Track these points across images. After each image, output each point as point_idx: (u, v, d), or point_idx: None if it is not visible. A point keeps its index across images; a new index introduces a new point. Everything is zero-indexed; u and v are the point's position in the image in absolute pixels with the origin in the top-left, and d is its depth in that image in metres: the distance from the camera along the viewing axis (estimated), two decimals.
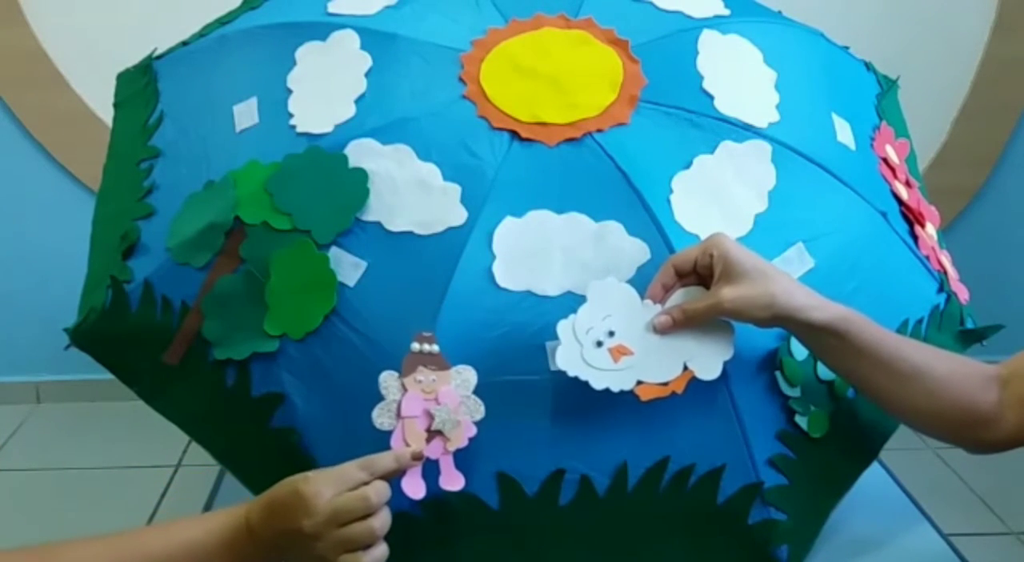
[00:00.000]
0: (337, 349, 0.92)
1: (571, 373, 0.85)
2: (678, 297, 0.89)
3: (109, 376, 1.00)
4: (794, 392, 0.93)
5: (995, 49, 2.29)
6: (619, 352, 0.87)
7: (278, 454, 0.87)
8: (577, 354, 0.86)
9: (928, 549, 1.05)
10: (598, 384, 0.85)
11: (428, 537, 0.90)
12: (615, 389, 0.86)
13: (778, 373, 0.92)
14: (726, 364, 0.89)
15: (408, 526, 0.87)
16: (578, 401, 0.89)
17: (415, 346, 0.87)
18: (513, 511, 0.89)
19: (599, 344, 0.87)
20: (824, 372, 0.95)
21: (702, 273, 0.88)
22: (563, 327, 0.87)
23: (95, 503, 2.05)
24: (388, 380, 0.86)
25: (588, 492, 0.89)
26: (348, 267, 0.93)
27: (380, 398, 0.86)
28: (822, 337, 0.87)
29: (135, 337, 0.97)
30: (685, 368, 0.87)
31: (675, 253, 0.90)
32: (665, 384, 0.87)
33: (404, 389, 0.86)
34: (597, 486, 0.90)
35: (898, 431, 1.01)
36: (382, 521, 0.78)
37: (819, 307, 0.86)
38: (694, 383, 0.89)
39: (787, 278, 0.87)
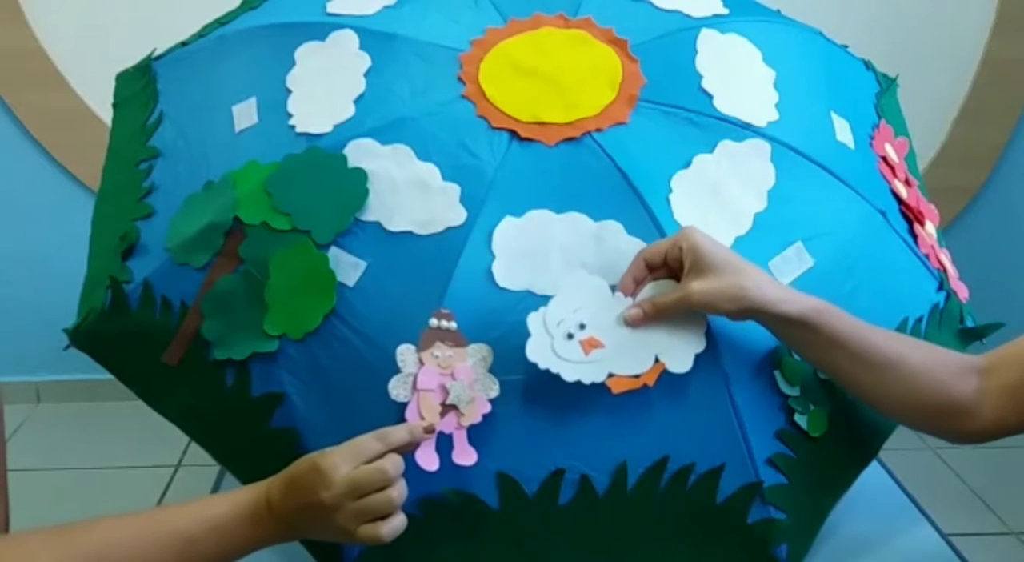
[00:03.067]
0: (337, 349, 0.92)
1: (542, 365, 0.86)
2: (649, 290, 0.89)
3: (109, 376, 1.00)
4: (793, 391, 0.93)
5: (995, 49, 2.29)
6: (590, 345, 0.87)
7: (278, 454, 0.87)
8: (548, 346, 0.86)
9: (928, 549, 1.05)
10: (569, 376, 0.86)
11: (428, 537, 0.90)
12: (586, 381, 0.86)
13: (777, 372, 0.92)
14: (725, 364, 0.89)
15: (408, 526, 0.87)
16: (578, 401, 0.89)
17: (433, 321, 0.88)
18: (513, 511, 0.89)
19: (570, 336, 0.87)
20: None
21: (672, 266, 0.88)
22: (533, 319, 0.87)
23: (95, 503, 2.05)
24: (405, 353, 0.87)
25: (588, 492, 0.89)
26: (347, 267, 0.93)
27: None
28: (794, 330, 0.87)
29: (134, 337, 0.97)
30: (656, 361, 0.87)
31: (645, 247, 0.90)
32: (637, 376, 0.87)
33: (421, 363, 0.86)
34: (597, 486, 0.90)
35: (898, 431, 1.01)
36: (399, 491, 0.80)
37: (790, 300, 0.86)
38: (693, 383, 0.89)
39: (757, 271, 0.87)
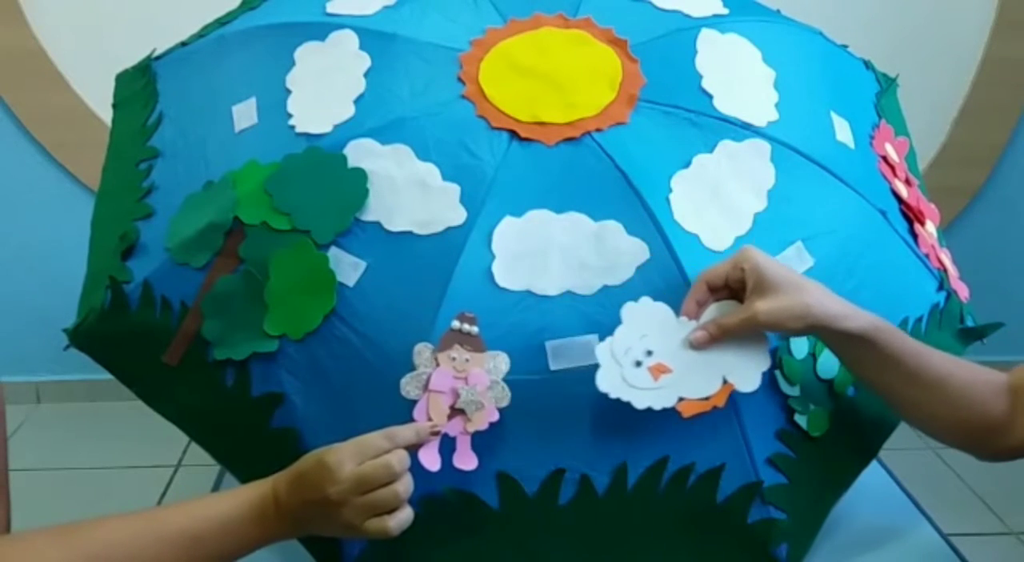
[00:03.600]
0: (337, 349, 0.92)
1: (613, 395, 0.86)
2: (712, 312, 0.89)
3: (109, 376, 1.00)
4: (793, 391, 0.93)
5: (995, 49, 2.29)
6: (658, 370, 0.87)
7: (278, 454, 0.87)
8: (618, 375, 0.86)
9: (928, 549, 1.05)
10: (640, 404, 0.86)
11: (428, 537, 0.90)
12: (657, 407, 0.86)
13: (777, 372, 0.92)
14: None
15: (408, 525, 0.87)
16: (578, 401, 0.89)
17: (455, 324, 0.88)
18: (513, 511, 0.89)
19: (638, 364, 0.87)
20: (824, 370, 0.95)
21: (734, 287, 0.89)
22: (601, 350, 0.87)
23: (95, 503, 2.05)
24: (422, 351, 0.87)
25: (588, 491, 0.89)
26: (347, 267, 0.93)
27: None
28: (853, 346, 0.88)
29: (134, 337, 0.97)
30: (724, 382, 0.87)
31: (705, 269, 0.90)
32: (706, 399, 0.87)
33: (436, 363, 0.87)
34: (597, 485, 0.90)
35: (898, 431, 1.01)
36: (405, 486, 0.80)
37: (852, 316, 0.86)
38: None
39: (818, 287, 0.88)
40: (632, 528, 0.91)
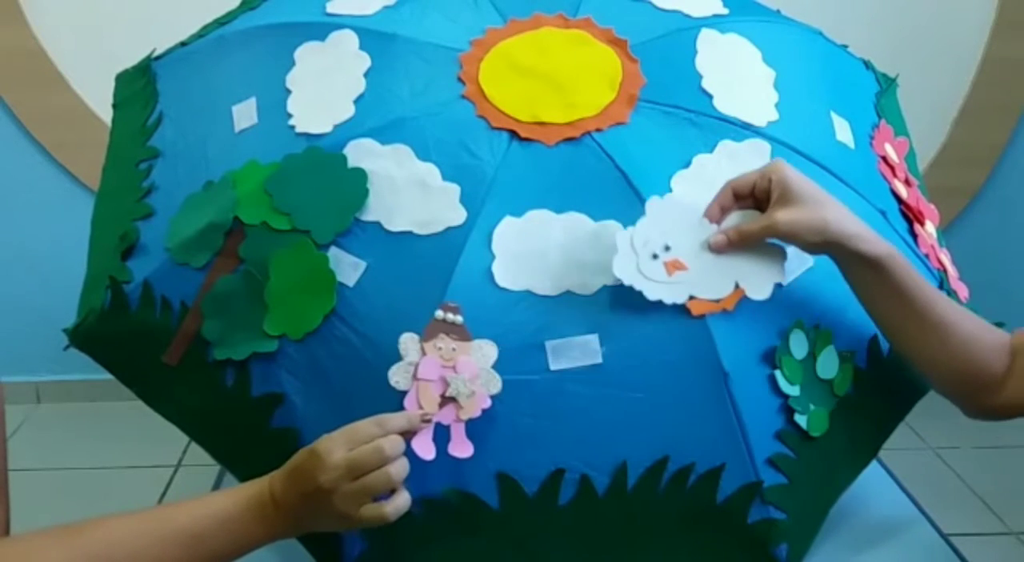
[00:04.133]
0: (337, 349, 0.92)
1: (626, 282, 0.88)
2: (734, 218, 0.92)
3: (109, 376, 1.00)
4: (793, 391, 0.93)
5: (995, 49, 2.29)
6: (673, 266, 0.89)
7: (278, 454, 0.86)
8: (633, 264, 0.89)
9: (928, 549, 1.05)
10: (652, 295, 0.88)
11: (428, 537, 0.90)
12: (668, 301, 0.88)
13: (777, 372, 0.92)
14: (725, 363, 0.89)
15: (408, 526, 0.87)
16: (578, 401, 0.89)
17: (439, 313, 0.88)
18: (513, 511, 0.89)
19: (655, 257, 0.89)
20: (824, 370, 0.95)
21: (759, 197, 0.91)
22: (621, 237, 0.90)
23: (95, 503, 2.05)
24: (408, 342, 0.87)
25: (588, 492, 0.89)
26: (347, 267, 0.93)
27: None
28: (864, 270, 0.89)
29: (134, 337, 0.97)
30: (736, 287, 0.90)
31: (734, 177, 0.92)
32: (717, 301, 0.89)
33: (423, 352, 0.87)
34: (597, 486, 0.90)
35: (898, 431, 1.02)
36: (398, 468, 0.80)
37: (869, 239, 0.88)
38: (693, 383, 0.89)
39: (841, 207, 0.89)
40: (632, 528, 0.91)
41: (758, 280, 0.90)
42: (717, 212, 0.91)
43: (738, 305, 0.91)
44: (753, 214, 0.91)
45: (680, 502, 0.90)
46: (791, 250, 0.93)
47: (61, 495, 2.09)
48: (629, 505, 0.90)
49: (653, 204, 0.91)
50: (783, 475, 0.92)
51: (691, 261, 0.90)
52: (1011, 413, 0.94)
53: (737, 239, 0.90)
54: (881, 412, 0.99)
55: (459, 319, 0.88)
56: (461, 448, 0.87)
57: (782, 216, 0.87)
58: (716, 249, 0.90)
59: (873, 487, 1.08)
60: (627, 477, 0.90)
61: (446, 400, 0.87)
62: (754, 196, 0.91)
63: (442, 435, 0.86)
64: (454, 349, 0.87)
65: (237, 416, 0.95)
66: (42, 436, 2.38)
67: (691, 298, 0.89)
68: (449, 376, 0.87)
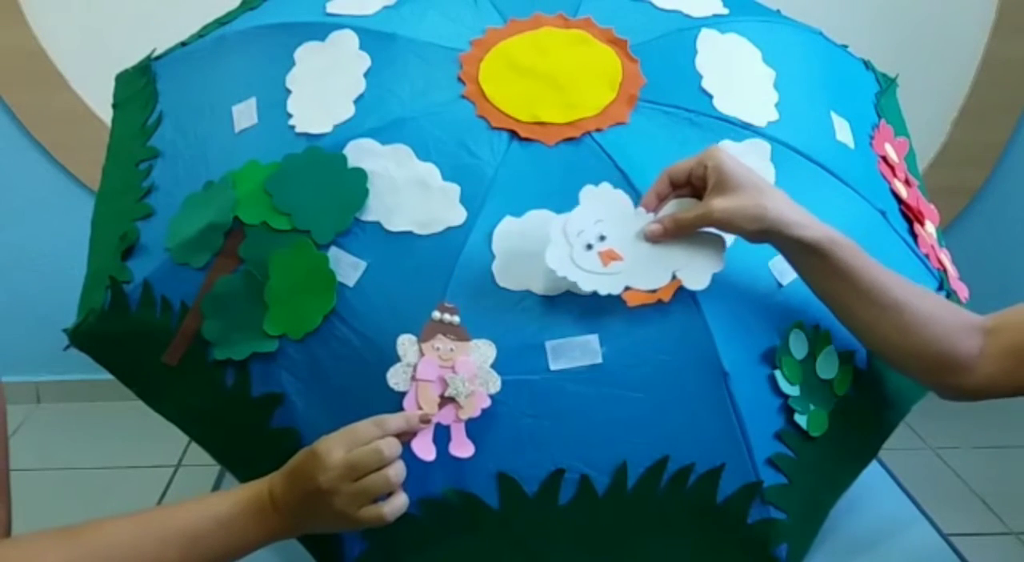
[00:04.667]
0: (337, 349, 0.92)
1: (559, 273, 0.87)
2: (671, 207, 0.90)
3: (109, 376, 1.00)
4: (793, 391, 0.93)
5: (995, 49, 2.29)
6: (609, 257, 0.88)
7: (278, 454, 0.87)
8: (567, 254, 0.87)
9: (928, 549, 1.05)
10: (586, 286, 0.87)
11: (428, 537, 0.90)
12: (602, 292, 0.87)
13: (777, 372, 0.92)
14: (725, 363, 0.89)
15: (408, 526, 0.87)
16: (578, 401, 0.89)
17: (436, 314, 0.88)
18: (513, 511, 0.89)
19: (589, 247, 0.88)
20: (823, 370, 0.95)
21: (696, 185, 0.89)
22: (554, 226, 0.88)
23: (95, 503, 2.05)
24: (405, 343, 0.87)
25: (588, 492, 0.89)
26: (347, 267, 0.93)
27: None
28: (806, 256, 0.88)
29: (134, 338, 0.97)
30: (674, 277, 0.88)
31: (670, 165, 0.90)
32: (653, 291, 0.88)
33: (421, 353, 0.87)
34: (597, 486, 0.90)
35: (898, 431, 1.01)
36: (396, 471, 0.80)
37: (807, 225, 0.86)
38: (693, 382, 0.89)
39: (780, 194, 0.88)
40: (632, 528, 0.91)
41: (696, 270, 0.88)
42: (653, 200, 0.90)
43: (738, 305, 0.91)
44: (690, 202, 0.89)
45: (680, 502, 0.90)
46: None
47: (61, 495, 2.09)
48: (629, 505, 0.90)
49: (587, 193, 0.90)
50: (783, 475, 0.92)
51: (626, 251, 0.88)
52: (985, 395, 0.92)
53: (673, 228, 0.88)
54: (881, 412, 0.99)
55: (456, 319, 0.88)
56: (462, 448, 0.86)
57: (718, 204, 0.86)
58: (652, 238, 0.88)
59: (873, 487, 1.08)
60: (627, 477, 0.90)
61: (445, 400, 0.86)
62: (691, 184, 0.89)
63: (442, 435, 0.86)
64: (452, 349, 0.87)
65: (237, 416, 0.95)
66: (42, 436, 2.38)
67: (627, 289, 0.87)
68: (448, 376, 0.87)
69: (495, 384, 0.87)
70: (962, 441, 2.23)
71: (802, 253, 0.88)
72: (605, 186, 0.91)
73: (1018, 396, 0.91)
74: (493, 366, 0.88)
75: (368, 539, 0.90)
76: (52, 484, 2.14)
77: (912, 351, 0.90)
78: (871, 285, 0.88)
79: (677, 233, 0.88)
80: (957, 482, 2.17)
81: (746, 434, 0.90)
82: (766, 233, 0.87)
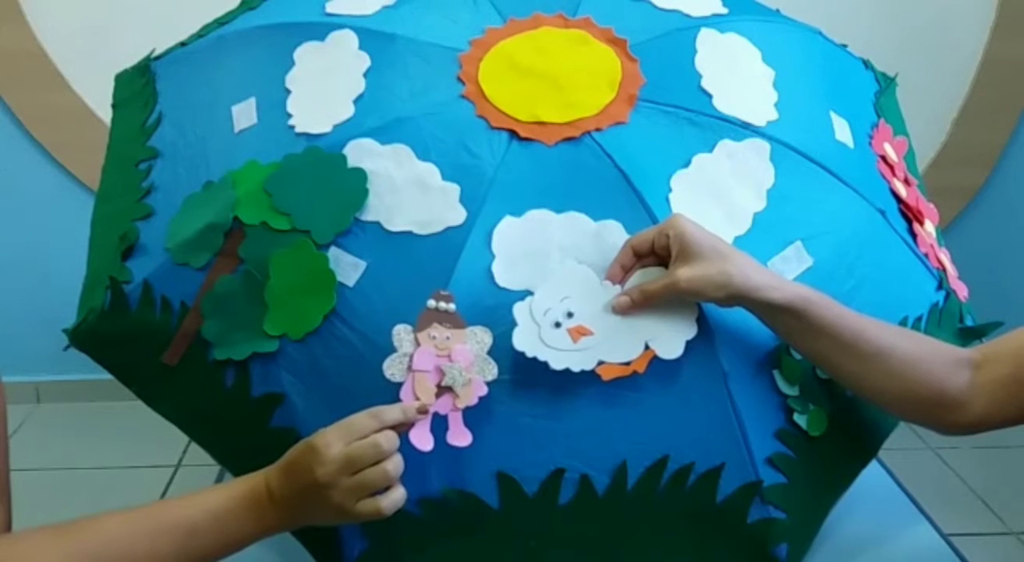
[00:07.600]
0: (337, 349, 0.92)
1: (529, 354, 0.86)
2: (637, 278, 0.90)
3: (109, 376, 1.00)
4: (793, 391, 0.93)
5: (995, 49, 2.29)
6: (578, 333, 0.87)
7: (278, 454, 0.87)
8: (535, 335, 0.87)
9: (928, 549, 1.05)
10: (557, 364, 0.86)
11: (428, 537, 0.90)
12: (575, 369, 0.86)
13: (777, 372, 0.92)
14: (724, 363, 0.89)
15: (408, 526, 0.87)
16: (578, 401, 0.89)
17: (431, 303, 0.88)
18: (513, 511, 0.89)
19: (557, 325, 0.87)
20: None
21: (660, 254, 0.89)
22: (519, 308, 0.87)
23: (95, 503, 2.04)
24: (401, 333, 0.87)
25: (588, 492, 0.89)
26: (347, 267, 0.93)
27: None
28: (781, 317, 0.87)
29: (134, 338, 0.97)
30: (647, 347, 0.87)
31: (633, 235, 0.90)
32: (627, 363, 0.87)
33: (417, 343, 0.87)
34: (597, 485, 0.90)
35: (898, 431, 1.01)
36: (395, 464, 0.80)
37: (777, 287, 0.86)
38: (692, 382, 0.89)
39: (744, 258, 0.87)
40: (632, 528, 0.91)
41: (668, 339, 0.88)
42: (619, 272, 0.89)
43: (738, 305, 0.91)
44: (657, 271, 0.89)
45: (680, 502, 0.90)
46: (791, 249, 0.93)
47: (61, 495, 2.09)
48: (629, 505, 0.90)
49: (551, 271, 0.89)
50: (783, 475, 0.92)
51: (596, 325, 0.87)
52: (984, 427, 0.91)
53: (640, 299, 0.88)
54: (881, 412, 0.99)
55: (452, 307, 0.88)
56: (460, 437, 0.86)
57: (683, 273, 0.85)
58: (620, 311, 0.88)
59: (873, 487, 1.08)
60: (627, 477, 0.90)
61: (442, 390, 0.86)
62: (655, 253, 0.89)
63: (440, 426, 0.86)
64: (448, 337, 0.87)
65: (237, 416, 0.95)
66: (42, 436, 2.38)
67: (600, 363, 0.86)
68: (444, 365, 0.86)
69: (492, 371, 0.87)
70: (962, 441, 2.20)
71: (776, 314, 0.87)
72: (570, 262, 0.90)
73: (1015, 426, 0.91)
74: (489, 353, 0.88)
75: (368, 538, 0.90)
76: (52, 484, 2.14)
77: (904, 394, 0.90)
78: (853, 336, 0.87)
79: (645, 304, 0.88)
80: (957, 482, 2.17)
81: (746, 434, 0.91)
82: (734, 298, 0.86)
